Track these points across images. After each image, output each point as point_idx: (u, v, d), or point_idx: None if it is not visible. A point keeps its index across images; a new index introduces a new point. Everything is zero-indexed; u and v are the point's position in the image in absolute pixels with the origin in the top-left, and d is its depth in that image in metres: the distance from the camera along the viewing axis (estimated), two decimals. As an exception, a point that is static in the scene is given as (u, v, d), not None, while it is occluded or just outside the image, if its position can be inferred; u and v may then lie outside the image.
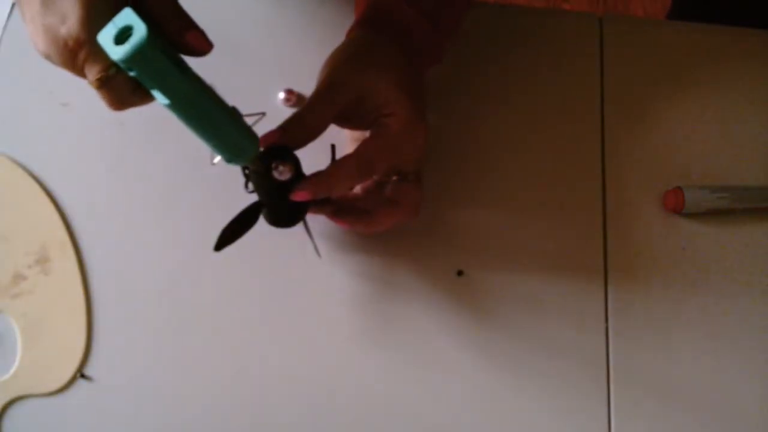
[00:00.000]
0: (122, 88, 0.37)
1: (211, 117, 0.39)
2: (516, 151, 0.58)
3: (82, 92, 0.57)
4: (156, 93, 0.37)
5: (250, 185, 0.46)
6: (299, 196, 0.44)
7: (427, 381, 0.51)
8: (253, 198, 0.47)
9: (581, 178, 0.57)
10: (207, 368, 0.51)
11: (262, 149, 0.45)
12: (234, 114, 0.41)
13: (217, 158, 0.42)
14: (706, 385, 0.52)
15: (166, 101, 0.37)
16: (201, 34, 0.38)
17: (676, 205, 0.56)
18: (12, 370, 0.50)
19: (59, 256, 0.53)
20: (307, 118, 0.45)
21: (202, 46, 0.39)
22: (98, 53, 0.35)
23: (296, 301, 0.53)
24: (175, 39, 0.37)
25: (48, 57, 0.38)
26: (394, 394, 0.51)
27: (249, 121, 0.42)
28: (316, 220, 0.52)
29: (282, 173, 0.44)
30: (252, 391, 0.51)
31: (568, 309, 0.54)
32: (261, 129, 0.44)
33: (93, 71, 0.37)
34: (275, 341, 0.52)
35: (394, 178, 0.49)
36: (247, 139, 0.42)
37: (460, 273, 0.54)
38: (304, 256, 0.53)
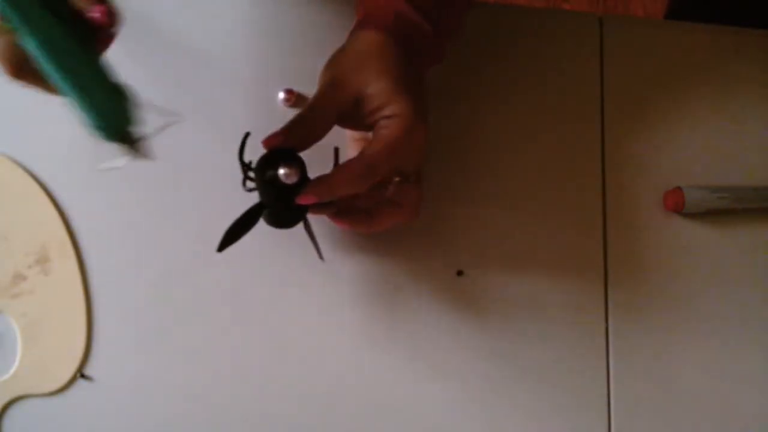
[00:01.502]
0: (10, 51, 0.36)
1: (79, 74, 0.37)
2: (516, 150, 0.58)
3: (82, 92, 0.57)
4: (23, 35, 0.36)
5: (248, 184, 0.46)
6: (305, 199, 0.44)
7: (426, 381, 0.51)
8: (254, 197, 0.47)
9: (581, 178, 0.58)
10: (207, 368, 0.51)
11: (266, 152, 0.44)
12: (117, 86, 0.39)
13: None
14: (706, 385, 0.52)
15: (30, 42, 0.35)
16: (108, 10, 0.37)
17: (676, 205, 0.56)
18: (12, 370, 0.50)
19: (59, 256, 0.53)
20: (310, 119, 0.45)
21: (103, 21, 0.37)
22: None
23: (296, 302, 0.53)
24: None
25: None
26: (394, 394, 0.51)
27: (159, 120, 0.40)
28: (314, 220, 0.52)
29: (288, 176, 0.43)
30: (252, 391, 0.51)
31: (568, 309, 0.54)
32: (263, 132, 0.44)
33: None
34: (275, 341, 0.52)
35: (396, 179, 0.49)
36: (116, 113, 0.39)
37: (460, 273, 0.54)
38: (304, 257, 0.53)
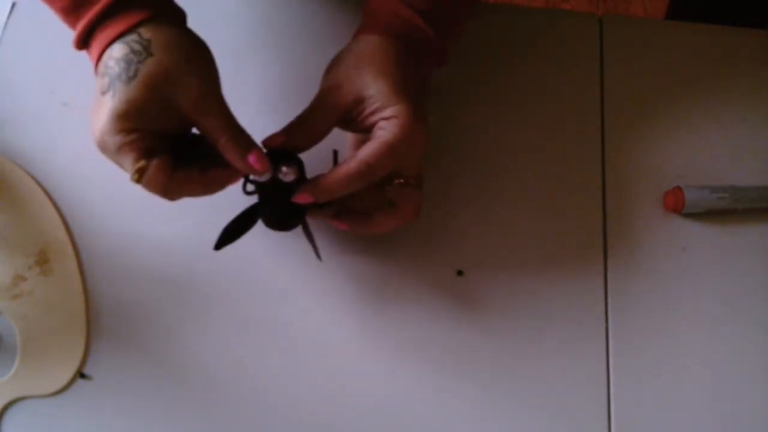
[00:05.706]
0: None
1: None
2: (515, 150, 0.58)
3: (82, 92, 0.58)
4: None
5: (249, 186, 0.46)
6: (301, 198, 0.45)
7: (426, 380, 0.51)
8: (253, 199, 0.47)
9: (581, 177, 0.57)
10: (206, 368, 0.51)
11: (266, 152, 0.45)
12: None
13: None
14: (706, 386, 0.52)
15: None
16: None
17: (676, 205, 0.56)
18: (12, 372, 0.50)
19: (59, 256, 0.53)
20: (310, 120, 0.46)
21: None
22: None
23: (295, 302, 0.53)
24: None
25: None
26: (393, 395, 0.51)
27: None
28: (312, 221, 0.52)
29: (286, 175, 0.44)
30: (251, 391, 0.51)
31: (568, 309, 0.53)
32: (263, 133, 0.44)
33: None
34: (274, 342, 0.52)
35: (397, 181, 0.49)
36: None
37: (460, 273, 0.54)
38: (303, 257, 0.53)
